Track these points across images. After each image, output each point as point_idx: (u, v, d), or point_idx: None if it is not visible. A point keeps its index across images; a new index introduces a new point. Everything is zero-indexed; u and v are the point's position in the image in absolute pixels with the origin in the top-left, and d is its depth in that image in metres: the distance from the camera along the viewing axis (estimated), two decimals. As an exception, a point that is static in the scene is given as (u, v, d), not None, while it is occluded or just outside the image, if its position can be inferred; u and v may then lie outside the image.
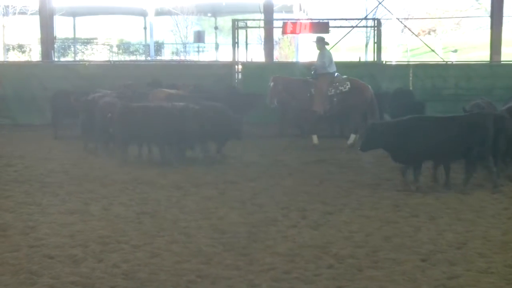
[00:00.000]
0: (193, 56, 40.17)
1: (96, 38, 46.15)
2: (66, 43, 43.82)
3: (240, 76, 18.87)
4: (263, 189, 10.55)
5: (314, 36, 15.82)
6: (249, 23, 20.72)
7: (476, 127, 10.39)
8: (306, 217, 8.88)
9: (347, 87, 14.80)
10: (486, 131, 10.38)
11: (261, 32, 25.98)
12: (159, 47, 44.54)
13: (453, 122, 10.56)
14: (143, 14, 40.70)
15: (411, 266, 6.90)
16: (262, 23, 21.98)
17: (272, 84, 14.91)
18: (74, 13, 40.65)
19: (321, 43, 15.03)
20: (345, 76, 15.06)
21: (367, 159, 12.65)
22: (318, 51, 15.06)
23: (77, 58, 41.04)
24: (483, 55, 32.18)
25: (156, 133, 12.19)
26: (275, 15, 24.45)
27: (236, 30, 19.30)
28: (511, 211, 9.23)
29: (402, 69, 18.57)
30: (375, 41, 19.05)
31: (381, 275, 6.67)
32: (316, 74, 14.82)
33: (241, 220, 8.70)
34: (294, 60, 33.26)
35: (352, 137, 14.81)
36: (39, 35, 23.84)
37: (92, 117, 13.56)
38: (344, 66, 17.59)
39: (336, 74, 14.96)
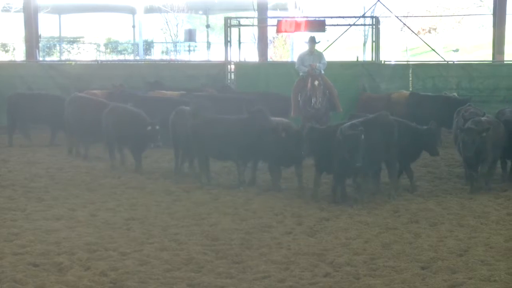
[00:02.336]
0: (183, 56, 40.00)
1: (82, 37, 46.00)
2: (51, 42, 43.58)
3: (232, 76, 18.67)
4: (257, 194, 10.41)
5: (310, 34, 15.52)
6: (242, 21, 20.52)
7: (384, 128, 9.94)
8: (302, 223, 8.79)
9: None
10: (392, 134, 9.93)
11: (255, 30, 25.84)
12: (148, 46, 44.48)
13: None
14: (132, 11, 40.62)
15: (410, 274, 6.83)
16: (255, 21, 21.88)
17: (317, 83, 14.08)
18: (59, 11, 40.53)
19: (314, 43, 14.76)
20: None
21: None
22: (312, 51, 14.70)
23: (63, 58, 40.73)
24: (485, 54, 32.21)
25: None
26: (269, 13, 24.37)
27: (228, 29, 19.11)
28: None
29: (402, 69, 18.44)
30: (374, 40, 18.88)
31: (380, 284, 6.61)
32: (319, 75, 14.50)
33: (234, 227, 8.61)
34: (289, 60, 33.09)
35: None
36: (23, 34, 23.65)
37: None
38: (342, 66, 17.40)
39: None
